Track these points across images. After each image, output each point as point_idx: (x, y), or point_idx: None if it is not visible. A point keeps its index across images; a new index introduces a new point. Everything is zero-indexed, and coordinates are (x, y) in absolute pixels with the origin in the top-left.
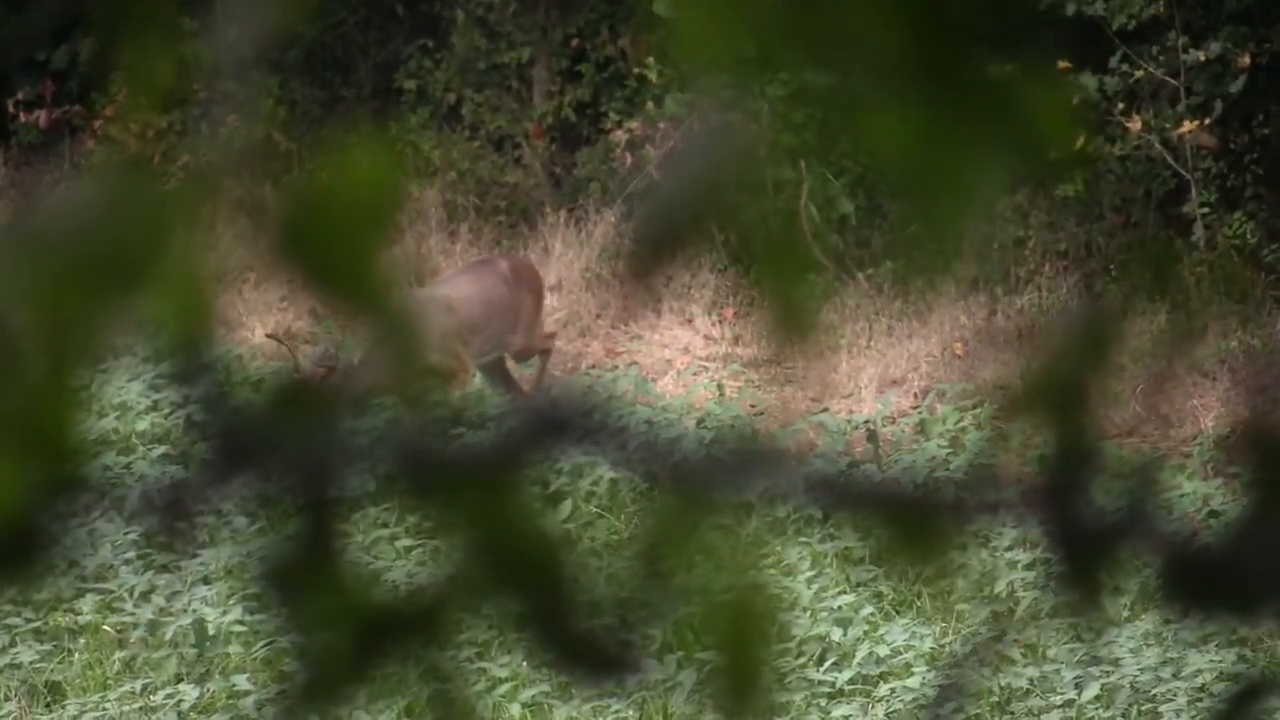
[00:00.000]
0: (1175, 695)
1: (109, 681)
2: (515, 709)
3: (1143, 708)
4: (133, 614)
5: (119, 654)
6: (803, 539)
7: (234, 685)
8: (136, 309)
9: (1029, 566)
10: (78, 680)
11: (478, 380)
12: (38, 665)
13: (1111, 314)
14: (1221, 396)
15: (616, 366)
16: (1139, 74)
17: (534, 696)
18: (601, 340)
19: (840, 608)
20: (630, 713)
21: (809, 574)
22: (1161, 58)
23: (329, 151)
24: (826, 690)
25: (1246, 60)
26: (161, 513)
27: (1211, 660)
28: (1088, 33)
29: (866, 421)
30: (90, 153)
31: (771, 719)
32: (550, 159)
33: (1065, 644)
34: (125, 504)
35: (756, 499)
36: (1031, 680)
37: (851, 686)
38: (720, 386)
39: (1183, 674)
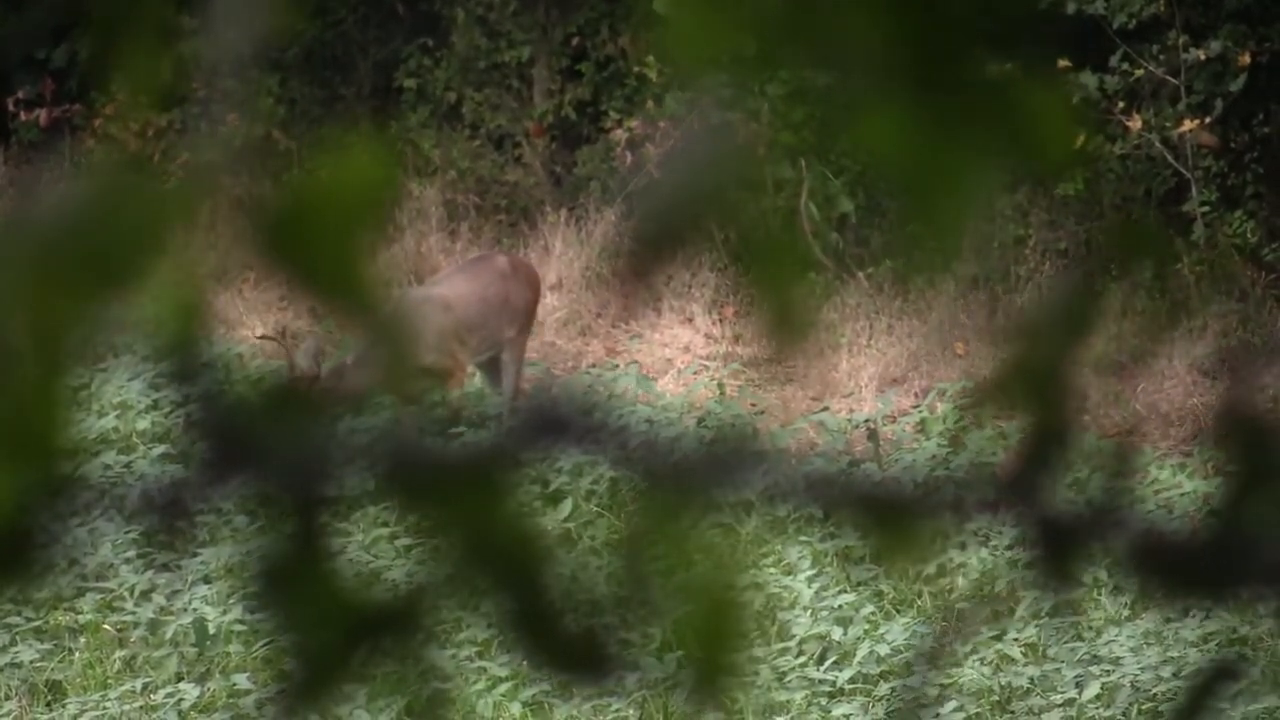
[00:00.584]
0: (1176, 694)
1: (109, 680)
2: (516, 708)
3: (1143, 707)
4: (133, 613)
5: (119, 653)
6: (803, 538)
7: (234, 684)
8: (130, 309)
9: (1030, 565)
10: (78, 679)
11: (477, 380)
12: (38, 664)
13: (1086, 296)
14: (1223, 396)
15: (617, 365)
16: (1139, 73)
17: (534, 695)
18: (602, 339)
19: (841, 606)
20: (630, 711)
21: (809, 573)
22: (1162, 56)
23: (327, 150)
24: (827, 689)
25: (1247, 59)
26: (162, 511)
27: (1212, 659)
28: (1088, 31)
29: (867, 420)
30: (90, 151)
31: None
32: (550, 158)
33: (1066, 643)
34: (125, 503)
35: (757, 498)
36: (1032, 679)
37: (852, 685)
38: (721, 385)
39: (1183, 673)
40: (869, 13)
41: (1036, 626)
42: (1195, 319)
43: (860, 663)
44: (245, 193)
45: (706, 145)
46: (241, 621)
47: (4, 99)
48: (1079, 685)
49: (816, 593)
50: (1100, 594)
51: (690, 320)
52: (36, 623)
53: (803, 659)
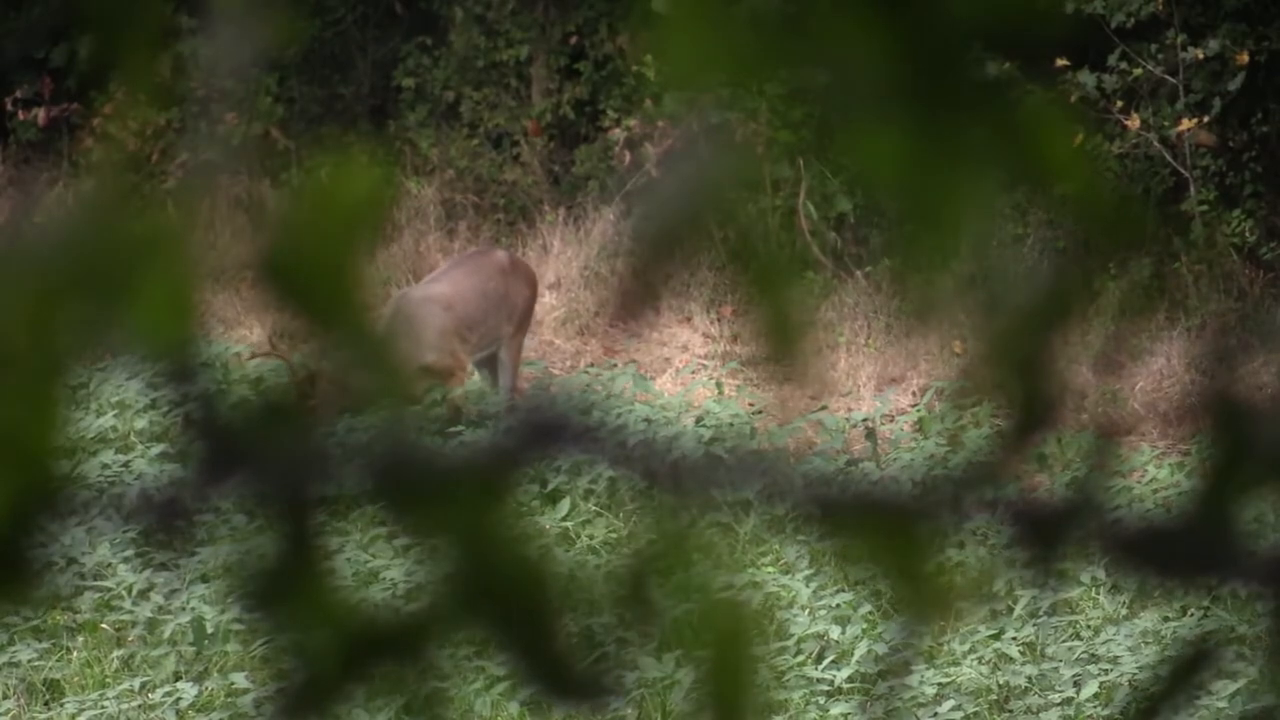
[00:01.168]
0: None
1: (107, 679)
2: (514, 707)
3: (1141, 705)
4: (131, 612)
5: (117, 652)
6: (801, 537)
7: (232, 683)
8: (124, 313)
9: (1028, 564)
10: (76, 678)
11: (476, 379)
12: (36, 663)
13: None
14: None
15: (615, 364)
16: (1137, 72)
17: (533, 694)
18: (600, 338)
19: (839, 605)
20: (629, 711)
21: (807, 572)
22: (1160, 55)
23: (322, 161)
24: (825, 688)
25: (1245, 58)
26: (160, 510)
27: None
28: (1086, 30)
29: (865, 419)
30: (89, 150)
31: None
32: (549, 157)
33: (1064, 642)
34: (123, 502)
35: (755, 497)
36: (1030, 678)
37: (850, 684)
38: (719, 385)
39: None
40: (859, 26)
41: (1034, 625)
42: (1193, 318)
43: (858, 662)
44: (245, 192)
45: (705, 145)
46: (240, 620)
47: (3, 98)
48: (1077, 684)
49: (815, 591)
50: (1098, 593)
51: (689, 319)
52: (34, 621)
53: (801, 658)
